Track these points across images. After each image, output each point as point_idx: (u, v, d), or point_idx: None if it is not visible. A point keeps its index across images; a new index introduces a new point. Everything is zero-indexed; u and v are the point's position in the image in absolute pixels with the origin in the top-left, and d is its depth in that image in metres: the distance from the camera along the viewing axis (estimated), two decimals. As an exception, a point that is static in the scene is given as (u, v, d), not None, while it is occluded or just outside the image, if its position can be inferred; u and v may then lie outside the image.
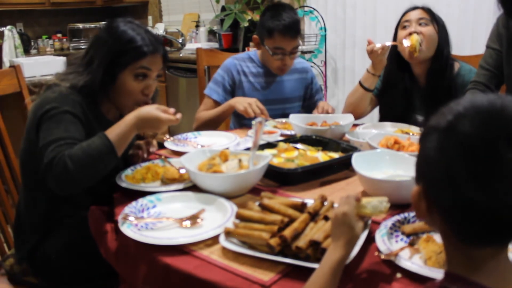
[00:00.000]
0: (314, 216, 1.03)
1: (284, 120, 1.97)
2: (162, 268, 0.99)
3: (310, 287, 0.80)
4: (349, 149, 1.50)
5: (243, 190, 1.29)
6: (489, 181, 0.59)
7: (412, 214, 1.09)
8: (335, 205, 1.06)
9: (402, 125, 1.83)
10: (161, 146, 1.73)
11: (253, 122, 1.32)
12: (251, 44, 2.15)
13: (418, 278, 0.87)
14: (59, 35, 5.65)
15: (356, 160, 1.28)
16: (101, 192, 1.41)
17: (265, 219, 1.01)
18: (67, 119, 1.32)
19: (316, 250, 0.91)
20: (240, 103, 1.90)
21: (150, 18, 5.49)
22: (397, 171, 1.29)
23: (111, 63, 1.39)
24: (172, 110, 1.36)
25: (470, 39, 2.80)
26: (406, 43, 1.81)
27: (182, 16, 4.98)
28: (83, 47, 5.17)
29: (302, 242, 0.92)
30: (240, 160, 1.35)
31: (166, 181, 1.37)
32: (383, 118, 2.03)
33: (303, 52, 3.57)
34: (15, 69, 1.85)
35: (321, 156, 1.48)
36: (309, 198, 1.17)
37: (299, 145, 1.58)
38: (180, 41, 4.55)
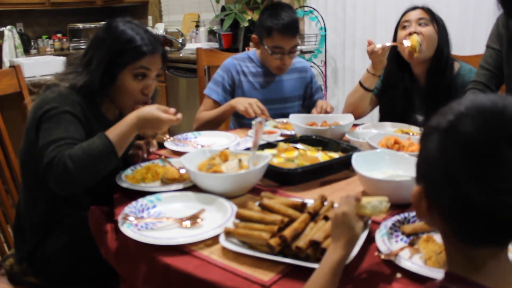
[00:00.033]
0: (314, 216, 1.03)
1: (285, 120, 1.97)
2: (162, 268, 0.99)
3: (310, 287, 0.80)
4: (349, 149, 1.50)
5: (243, 190, 1.29)
6: (490, 181, 0.59)
7: (412, 214, 1.09)
8: (335, 205, 1.06)
9: (402, 125, 1.83)
10: (161, 146, 1.73)
11: (253, 122, 1.32)
12: (251, 44, 2.16)
13: (418, 278, 0.87)
14: (59, 35, 5.65)
15: (356, 160, 1.28)
16: (101, 192, 1.41)
17: (265, 219, 1.01)
18: (66, 119, 1.32)
19: (316, 250, 0.91)
20: (241, 103, 1.90)
21: (150, 18, 5.49)
22: (397, 171, 1.29)
23: (110, 63, 1.39)
24: (172, 110, 1.36)
25: (470, 39, 2.80)
26: (407, 43, 1.81)
27: (182, 16, 4.98)
28: (83, 47, 5.17)
29: (302, 242, 0.92)
30: (240, 160, 1.35)
31: (166, 181, 1.37)
32: (383, 118, 2.03)
33: (303, 52, 3.57)
34: (15, 69, 1.85)
35: (321, 156, 1.48)
36: (309, 198, 1.17)
37: (299, 145, 1.58)
38: (180, 41, 4.55)
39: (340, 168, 1.43)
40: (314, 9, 3.57)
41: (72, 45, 5.47)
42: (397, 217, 1.08)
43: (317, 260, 0.88)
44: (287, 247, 0.95)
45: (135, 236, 1.05)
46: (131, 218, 1.12)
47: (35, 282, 1.46)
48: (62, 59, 3.63)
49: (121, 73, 1.41)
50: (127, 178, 1.40)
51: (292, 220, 1.01)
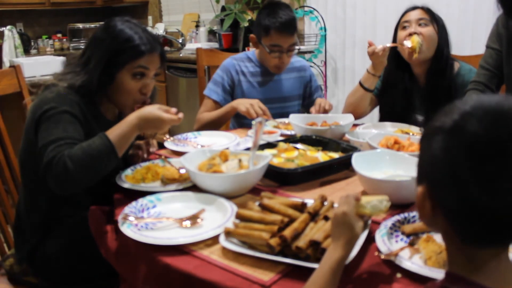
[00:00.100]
0: (314, 216, 1.03)
1: (287, 120, 1.97)
2: (162, 268, 0.99)
3: (310, 287, 0.80)
4: (349, 149, 1.50)
5: (243, 190, 1.29)
6: (496, 181, 0.59)
7: (412, 214, 1.09)
8: (335, 205, 1.06)
9: (402, 125, 1.83)
10: (161, 146, 1.73)
11: (253, 122, 1.32)
12: (251, 44, 2.15)
13: (418, 278, 0.86)
14: (59, 35, 5.66)
15: (356, 160, 1.28)
16: (101, 192, 1.41)
17: (265, 219, 1.01)
18: (65, 119, 1.31)
19: (316, 250, 0.91)
20: (242, 104, 1.90)
21: (150, 18, 5.49)
22: (397, 171, 1.29)
23: (108, 63, 1.39)
24: (174, 109, 1.36)
25: (470, 39, 2.80)
26: (407, 44, 1.81)
27: (182, 16, 4.98)
28: (83, 47, 5.18)
29: (302, 242, 0.92)
30: (240, 160, 1.35)
31: (166, 181, 1.37)
32: (383, 118, 2.03)
33: (303, 52, 3.57)
34: (15, 69, 1.85)
35: (321, 156, 1.48)
36: (309, 198, 1.17)
37: (299, 145, 1.58)
38: (180, 41, 4.55)
39: (340, 168, 1.43)
40: (314, 9, 3.57)
41: (72, 45, 5.47)
42: (397, 217, 1.08)
43: (317, 260, 0.87)
44: (287, 247, 0.94)
45: (135, 236, 1.05)
46: (131, 218, 1.12)
47: (35, 282, 1.46)
48: (62, 59, 3.63)
49: (119, 73, 1.41)
50: (127, 178, 1.40)
51: (292, 220, 1.01)
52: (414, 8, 1.89)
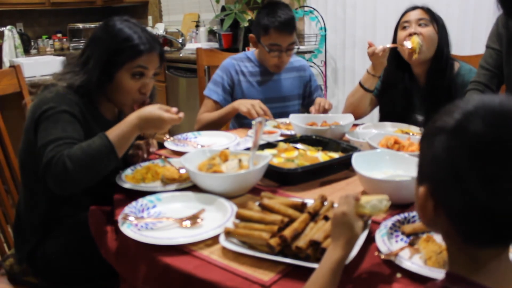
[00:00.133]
0: (314, 216, 1.03)
1: (288, 121, 1.97)
2: (162, 268, 0.99)
3: (310, 287, 0.80)
4: (349, 149, 1.50)
5: (243, 190, 1.29)
6: (498, 182, 0.59)
7: (412, 214, 1.09)
8: (335, 205, 1.06)
9: (402, 125, 1.83)
10: (161, 146, 1.73)
11: (253, 122, 1.32)
12: (251, 44, 2.16)
13: (418, 278, 0.86)
14: (59, 35, 5.66)
15: (356, 160, 1.28)
16: (101, 192, 1.41)
17: (265, 219, 1.01)
18: (65, 119, 1.31)
19: (316, 250, 0.91)
20: (244, 105, 1.90)
21: (150, 18, 5.49)
22: (397, 171, 1.29)
23: (107, 62, 1.39)
24: (174, 109, 1.36)
25: (470, 39, 2.80)
26: (407, 45, 1.81)
27: (182, 16, 4.98)
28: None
29: (302, 242, 0.92)
30: (240, 160, 1.35)
31: (166, 181, 1.37)
32: (383, 118, 2.03)
33: (303, 52, 3.57)
34: (15, 69, 1.85)
35: (321, 156, 1.48)
36: (309, 198, 1.17)
37: (299, 145, 1.58)
38: (180, 41, 4.55)
39: (340, 168, 1.43)
40: (314, 9, 3.57)
41: (72, 45, 5.47)
42: (397, 217, 1.08)
43: (317, 260, 0.87)
44: (287, 247, 0.94)
45: (135, 236, 1.05)
46: (131, 218, 1.12)
47: (35, 282, 1.46)
48: (62, 59, 3.63)
49: (118, 72, 1.41)
50: (127, 178, 1.40)
51: (292, 220, 1.01)
52: (414, 8, 1.89)
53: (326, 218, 1.00)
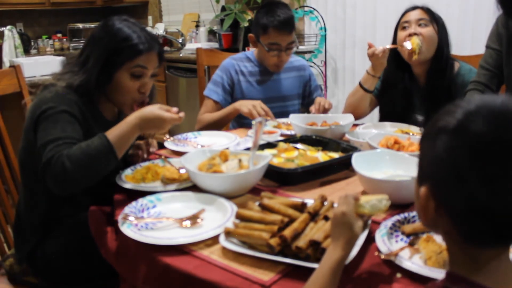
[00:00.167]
0: (314, 216, 1.03)
1: (288, 121, 1.97)
2: (162, 268, 0.99)
3: (310, 287, 0.80)
4: (349, 149, 1.50)
5: (243, 190, 1.29)
6: (500, 182, 0.59)
7: (412, 214, 1.09)
8: (335, 205, 1.06)
9: (402, 125, 1.83)
10: (161, 146, 1.73)
11: (253, 122, 1.32)
12: (250, 44, 2.16)
13: (418, 278, 0.86)
14: (59, 35, 5.65)
15: (356, 160, 1.28)
16: (101, 192, 1.41)
17: (265, 219, 1.01)
18: (64, 119, 1.31)
19: (316, 250, 0.91)
20: (245, 105, 1.90)
21: (150, 18, 5.49)
22: (397, 171, 1.29)
23: (106, 62, 1.38)
24: (175, 109, 1.35)
25: (470, 39, 2.80)
26: (407, 45, 1.81)
27: (182, 16, 4.98)
28: (83, 47, 5.16)
29: (302, 242, 0.92)
30: (240, 160, 1.35)
31: (166, 181, 1.37)
32: (383, 118, 2.03)
33: (303, 52, 3.57)
34: (15, 69, 1.85)
35: (321, 156, 1.48)
36: (309, 198, 1.17)
37: (299, 145, 1.58)
38: (180, 41, 4.55)
39: (340, 168, 1.43)
40: (314, 9, 3.57)
41: (72, 45, 5.47)
42: (397, 217, 1.08)
43: (317, 260, 0.87)
44: (287, 247, 0.94)
45: (135, 236, 1.05)
46: (131, 218, 1.12)
47: (35, 282, 1.46)
48: (62, 59, 3.64)
49: (117, 72, 1.40)
50: (127, 178, 1.40)
51: (292, 220, 1.01)
52: (414, 8, 1.89)
53: (326, 218, 1.00)
